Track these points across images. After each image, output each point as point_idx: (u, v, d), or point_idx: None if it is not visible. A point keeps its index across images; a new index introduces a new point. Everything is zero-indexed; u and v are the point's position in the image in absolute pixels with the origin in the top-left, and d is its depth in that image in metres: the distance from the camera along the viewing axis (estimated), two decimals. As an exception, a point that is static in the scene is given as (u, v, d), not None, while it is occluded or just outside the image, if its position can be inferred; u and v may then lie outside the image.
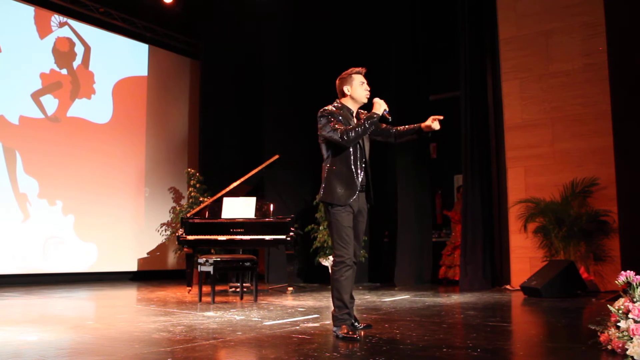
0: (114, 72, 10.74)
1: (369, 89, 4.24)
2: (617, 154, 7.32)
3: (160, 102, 11.34)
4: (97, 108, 10.44)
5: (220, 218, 7.79)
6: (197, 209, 8.24)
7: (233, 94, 11.29)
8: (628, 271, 3.25)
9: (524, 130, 8.14)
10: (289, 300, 6.67)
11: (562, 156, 7.82)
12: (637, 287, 3.14)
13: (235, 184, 8.12)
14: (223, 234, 7.66)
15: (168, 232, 10.80)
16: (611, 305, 3.24)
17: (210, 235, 7.70)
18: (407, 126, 4.39)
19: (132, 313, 5.69)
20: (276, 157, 8.40)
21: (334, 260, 4.03)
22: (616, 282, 3.28)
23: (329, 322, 4.84)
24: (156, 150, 11.17)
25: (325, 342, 3.83)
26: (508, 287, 7.98)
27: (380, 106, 4.11)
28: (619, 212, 7.20)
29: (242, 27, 10.94)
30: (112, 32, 10.74)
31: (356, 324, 4.19)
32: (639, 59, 8.58)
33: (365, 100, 4.22)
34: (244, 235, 7.62)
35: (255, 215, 7.78)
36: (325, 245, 8.64)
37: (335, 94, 4.37)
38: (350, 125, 4.08)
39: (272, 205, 8.07)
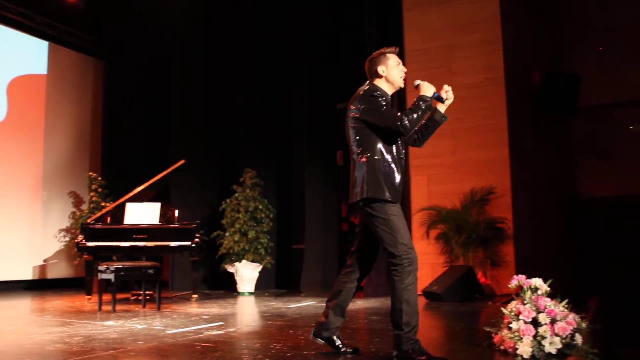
0: (8, 69, 10.16)
1: (405, 70, 3.65)
2: (512, 165, 7.74)
3: (61, 102, 10.84)
4: (-10, 107, 9.85)
5: (123, 224, 7.55)
6: (98, 214, 7.95)
7: (139, 96, 10.97)
8: (520, 275, 3.43)
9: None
10: (193, 308, 6.56)
11: (463, 165, 8.14)
12: (527, 290, 3.32)
13: (138, 189, 7.89)
14: (125, 241, 7.42)
15: (67, 239, 10.34)
16: (504, 307, 3.40)
17: (111, 241, 7.43)
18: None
19: (24, 324, 5.40)
20: (182, 162, 8.24)
21: (398, 265, 3.25)
22: (509, 285, 3.45)
23: (233, 329, 4.80)
24: (55, 153, 10.66)
25: (229, 350, 3.79)
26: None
27: (430, 87, 3.45)
28: (513, 220, 7.60)
29: (149, 28, 10.66)
30: (7, 27, 10.16)
31: (338, 342, 3.58)
32: (528, 76, 9.14)
33: (402, 84, 3.63)
34: (147, 241, 7.41)
35: (160, 221, 7.59)
36: (231, 251, 8.56)
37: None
38: None
39: (177, 211, 7.91)
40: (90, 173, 10.09)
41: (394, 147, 3.44)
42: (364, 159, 3.40)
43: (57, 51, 10.86)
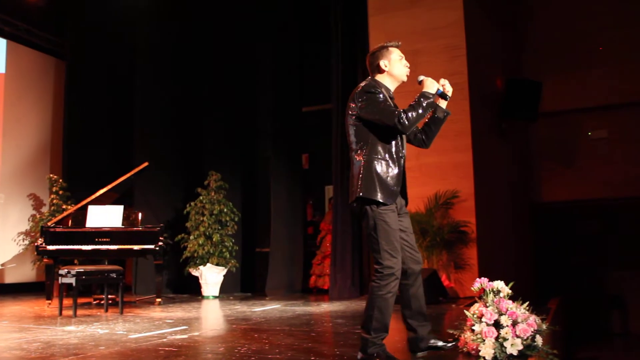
0: (-35, 68, 9.92)
1: (408, 64, 3.56)
2: (475, 169, 7.85)
3: (20, 102, 10.60)
4: (-54, 106, 9.56)
5: (85, 227, 7.42)
6: (59, 217, 7.78)
7: (102, 96, 10.79)
8: (482, 278, 3.48)
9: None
10: (157, 312, 6.48)
11: (427, 170, 8.21)
12: (489, 293, 3.37)
13: (101, 192, 7.76)
14: (87, 244, 7.29)
15: (26, 242, 10.11)
16: (467, 310, 3.44)
17: (73, 245, 7.28)
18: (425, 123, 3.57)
19: (-18, 330, 5.26)
20: (145, 164, 8.15)
21: (379, 273, 3.26)
22: (472, 288, 3.50)
23: (197, 333, 4.76)
24: (15, 154, 10.42)
25: (193, 355, 3.76)
26: (375, 295, 8.23)
27: (433, 84, 3.38)
28: (476, 223, 7.70)
29: (112, 27, 10.50)
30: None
31: (439, 343, 3.57)
32: (491, 82, 9.29)
33: (405, 79, 3.57)
34: (110, 245, 7.30)
35: (123, 224, 7.49)
36: (195, 255, 8.49)
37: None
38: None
39: (140, 214, 7.81)
40: (51, 175, 9.90)
41: (392, 146, 3.36)
42: (360, 158, 3.34)
43: (16, 50, 10.62)
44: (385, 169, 3.31)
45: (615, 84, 9.61)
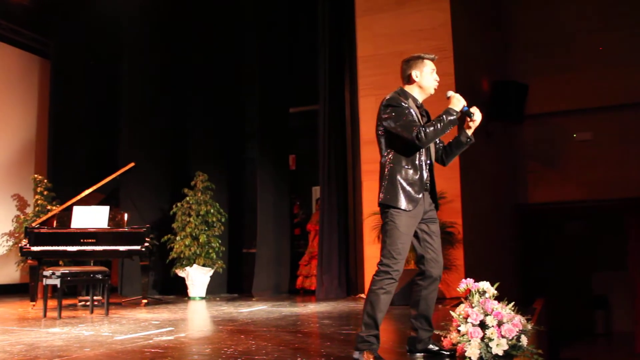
0: (-53, 66, 9.79)
1: (438, 79, 3.75)
2: (462, 170, 7.88)
3: (5, 102, 10.49)
4: None
5: (70, 228, 7.37)
6: (44, 217, 7.73)
7: (87, 96, 10.71)
8: (468, 279, 3.49)
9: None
10: (143, 313, 6.45)
11: (413, 170, 8.22)
12: (475, 294, 3.39)
13: (86, 192, 7.71)
14: (73, 245, 7.23)
15: (10, 243, 10.02)
16: (453, 311, 3.46)
17: (58, 246, 7.23)
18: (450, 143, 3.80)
19: (-35, 331, 5.20)
20: (132, 164, 8.11)
21: (378, 270, 3.42)
22: (458, 289, 3.52)
23: (183, 334, 4.74)
24: (-2, 154, 10.32)
25: (179, 356, 3.74)
26: (362, 295, 8.24)
27: (459, 101, 3.55)
28: (463, 224, 7.73)
29: (98, 26, 10.44)
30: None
31: (435, 349, 3.58)
32: (477, 84, 9.34)
33: (433, 91, 3.74)
34: (95, 246, 7.26)
35: (109, 225, 7.45)
36: (182, 256, 8.46)
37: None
38: (417, 118, 3.54)
39: (126, 215, 7.78)
40: (36, 175, 9.82)
41: (416, 155, 3.52)
42: (386, 165, 3.53)
43: (0, 48, 10.52)
44: (406, 175, 3.48)
45: (601, 87, 9.69)
